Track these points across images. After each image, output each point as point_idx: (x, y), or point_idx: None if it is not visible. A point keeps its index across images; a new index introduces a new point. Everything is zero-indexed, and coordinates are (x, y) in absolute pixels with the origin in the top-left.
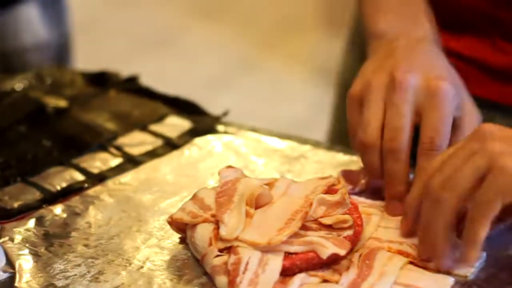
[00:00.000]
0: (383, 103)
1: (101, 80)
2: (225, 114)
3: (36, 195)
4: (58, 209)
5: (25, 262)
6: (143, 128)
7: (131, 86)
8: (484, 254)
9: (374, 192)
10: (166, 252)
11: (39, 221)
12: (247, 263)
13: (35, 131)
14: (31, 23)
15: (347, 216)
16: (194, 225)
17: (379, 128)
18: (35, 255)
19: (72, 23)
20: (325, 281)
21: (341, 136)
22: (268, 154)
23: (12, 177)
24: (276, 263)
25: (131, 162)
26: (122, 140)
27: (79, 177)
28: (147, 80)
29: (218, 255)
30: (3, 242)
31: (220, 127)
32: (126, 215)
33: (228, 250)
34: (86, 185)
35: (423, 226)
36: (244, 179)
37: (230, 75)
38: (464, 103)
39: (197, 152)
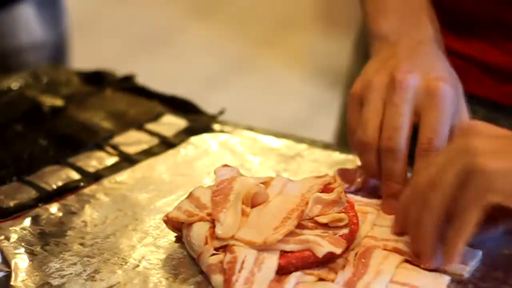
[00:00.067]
0: (382, 102)
1: (97, 79)
2: (221, 113)
3: (32, 194)
4: (54, 208)
5: (21, 261)
6: (139, 127)
7: (127, 85)
8: (480, 253)
9: (370, 191)
10: (162, 251)
11: (35, 220)
12: (243, 262)
13: (31, 130)
14: (28, 22)
15: (343, 215)
16: (190, 224)
17: (378, 127)
18: (31, 254)
19: (69, 23)
20: (321, 279)
21: None
22: (264, 153)
23: (8, 176)
24: (272, 261)
25: (127, 161)
26: (118, 139)
27: (75, 176)
28: (145, 80)
29: (214, 254)
30: None
31: (216, 126)
32: (122, 214)
33: (224, 249)
34: (82, 184)
35: (412, 225)
36: (240, 178)
37: (227, 74)
38: (462, 110)
39: (193, 151)
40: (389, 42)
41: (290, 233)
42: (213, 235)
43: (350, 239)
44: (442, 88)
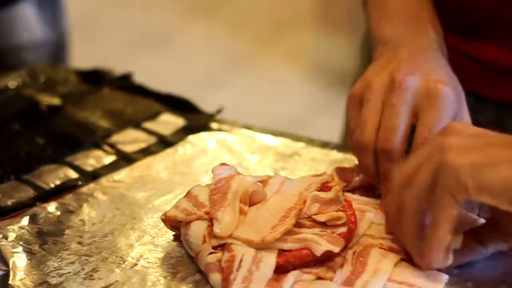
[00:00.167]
0: (381, 103)
1: (94, 78)
2: (218, 111)
3: (29, 192)
4: (51, 207)
5: (19, 260)
6: (137, 125)
7: (125, 83)
8: (446, 277)
9: (368, 189)
10: (160, 249)
11: (33, 219)
12: (241, 261)
13: (28, 129)
14: (28, 21)
15: (341, 213)
16: (188, 223)
17: (376, 128)
18: (29, 252)
19: (69, 22)
20: (319, 278)
21: None
22: (262, 152)
23: (6, 175)
24: (270, 260)
25: (125, 159)
26: (115, 138)
27: (73, 174)
28: (143, 79)
29: (212, 253)
30: None
31: (214, 125)
32: (120, 212)
33: (222, 247)
34: (79, 182)
35: (393, 225)
36: (238, 176)
37: (226, 73)
38: (463, 114)
39: (191, 150)
40: (391, 47)
41: (288, 232)
42: (211, 234)
43: (348, 238)
44: (442, 89)
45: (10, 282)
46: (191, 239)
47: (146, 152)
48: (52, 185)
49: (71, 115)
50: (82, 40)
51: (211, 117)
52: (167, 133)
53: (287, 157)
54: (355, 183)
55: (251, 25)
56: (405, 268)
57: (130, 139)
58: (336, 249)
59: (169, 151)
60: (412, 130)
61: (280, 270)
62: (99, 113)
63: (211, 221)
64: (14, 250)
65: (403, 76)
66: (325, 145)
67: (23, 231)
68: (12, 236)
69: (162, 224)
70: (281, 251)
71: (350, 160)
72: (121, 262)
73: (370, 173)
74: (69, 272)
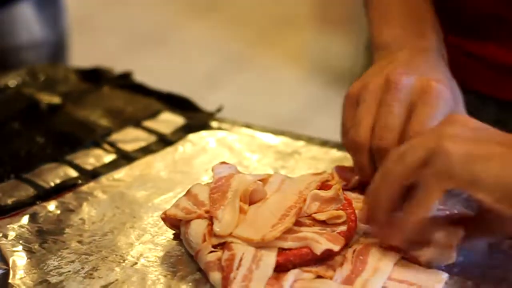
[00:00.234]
0: (377, 103)
1: (94, 77)
2: (218, 110)
3: (29, 191)
4: (51, 206)
5: (19, 259)
6: (137, 124)
7: (125, 82)
8: (446, 275)
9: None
10: (160, 248)
11: (33, 218)
12: (241, 259)
13: (28, 128)
14: (27, 21)
15: (341, 212)
16: (188, 221)
17: (371, 127)
18: (29, 251)
19: (68, 21)
20: (319, 276)
21: None
22: (262, 150)
23: (6, 173)
24: (270, 259)
25: (125, 158)
26: (115, 137)
27: (73, 173)
28: (143, 77)
29: (212, 251)
30: None
31: (213, 123)
32: (120, 211)
33: (222, 246)
34: (79, 181)
35: (371, 193)
36: (238, 175)
37: (226, 72)
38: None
39: (191, 148)
40: (390, 51)
41: (288, 230)
42: (211, 233)
43: (348, 236)
44: (436, 86)
45: (10, 281)
46: (191, 238)
47: (146, 150)
48: (52, 184)
49: (71, 114)
50: (82, 39)
51: (211, 116)
52: (167, 131)
53: (287, 156)
54: (355, 182)
55: (250, 24)
56: (405, 266)
57: (130, 138)
58: (336, 248)
59: (169, 149)
60: None
61: (280, 269)
62: (99, 112)
63: (211, 219)
64: (14, 249)
65: (398, 76)
66: (325, 143)
67: (23, 230)
68: (12, 235)
69: (162, 222)
70: (281, 250)
71: (350, 158)
72: (121, 261)
73: (366, 172)
74: (69, 271)
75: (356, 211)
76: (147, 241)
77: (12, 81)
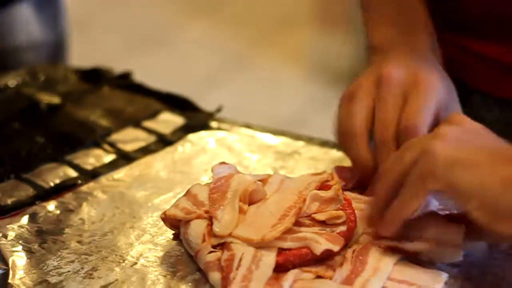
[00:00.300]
0: (371, 99)
1: (94, 77)
2: (218, 110)
3: (29, 191)
4: (51, 206)
5: (19, 259)
6: (136, 124)
7: (124, 82)
8: (446, 275)
9: (367, 188)
10: (159, 248)
11: (33, 218)
12: (240, 259)
13: (28, 128)
14: (26, 22)
15: (340, 212)
16: (187, 222)
17: (365, 118)
18: (29, 251)
19: (68, 22)
20: (318, 277)
21: None
22: (261, 150)
23: (5, 173)
24: (269, 259)
25: (125, 158)
26: (115, 137)
27: (73, 173)
28: (143, 78)
29: (211, 251)
30: None
31: (213, 123)
32: (120, 211)
33: (222, 246)
34: (79, 181)
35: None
36: (237, 175)
37: (225, 72)
38: (451, 106)
39: (191, 148)
40: (383, 51)
41: (288, 231)
42: (211, 233)
43: (348, 237)
44: (427, 77)
45: (9, 281)
46: (191, 238)
47: (146, 151)
48: (52, 184)
49: (71, 114)
50: (82, 39)
51: (210, 116)
52: (167, 132)
53: (287, 156)
54: (355, 182)
55: (250, 24)
56: (405, 267)
57: (130, 138)
58: (336, 248)
59: (168, 150)
60: None
61: (280, 269)
62: (99, 112)
63: (210, 220)
64: (14, 249)
65: (390, 70)
66: (324, 143)
67: (22, 230)
68: (11, 235)
69: (162, 223)
70: (281, 250)
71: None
72: (121, 261)
73: (362, 162)
74: (69, 271)
75: (356, 212)
76: (146, 241)
77: (12, 81)
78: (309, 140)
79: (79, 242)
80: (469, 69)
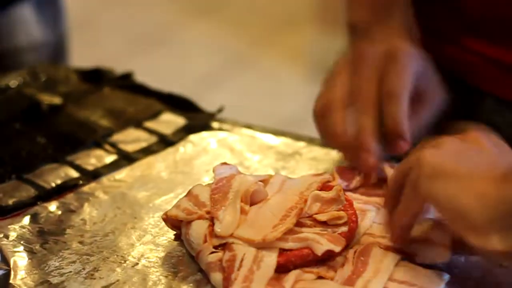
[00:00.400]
0: (348, 75)
1: (95, 77)
2: (219, 110)
3: (30, 192)
4: (52, 206)
5: (20, 259)
6: (138, 125)
7: (126, 83)
8: (447, 276)
9: (369, 189)
10: (161, 249)
11: (34, 218)
12: (242, 260)
13: (29, 128)
14: (26, 23)
15: (342, 213)
16: (189, 222)
17: (339, 92)
18: (30, 252)
19: (68, 22)
20: (320, 277)
21: None
22: (262, 151)
23: (7, 174)
24: (271, 259)
25: (126, 159)
26: (116, 137)
27: (74, 174)
28: (143, 78)
29: (213, 252)
30: None
31: (214, 124)
32: (121, 212)
33: (223, 247)
34: (80, 182)
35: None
36: (239, 175)
37: (226, 72)
38: (430, 77)
39: (192, 149)
40: (360, 31)
41: (289, 231)
42: (212, 233)
43: (349, 237)
44: (401, 48)
45: (11, 281)
46: (192, 239)
47: (147, 151)
48: (53, 185)
49: (72, 114)
50: (82, 39)
51: (212, 117)
52: (168, 132)
53: (288, 157)
54: (356, 183)
55: (251, 24)
56: (406, 267)
57: (131, 139)
58: (337, 249)
59: (170, 150)
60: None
61: (281, 270)
62: (100, 113)
63: (212, 220)
64: (15, 249)
65: (364, 46)
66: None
67: (24, 230)
68: (13, 235)
69: (163, 223)
70: (282, 251)
71: None
72: (122, 262)
73: (337, 133)
74: (70, 272)
75: (358, 212)
76: (148, 241)
77: (13, 81)
78: (310, 140)
79: (80, 242)
80: (469, 69)
